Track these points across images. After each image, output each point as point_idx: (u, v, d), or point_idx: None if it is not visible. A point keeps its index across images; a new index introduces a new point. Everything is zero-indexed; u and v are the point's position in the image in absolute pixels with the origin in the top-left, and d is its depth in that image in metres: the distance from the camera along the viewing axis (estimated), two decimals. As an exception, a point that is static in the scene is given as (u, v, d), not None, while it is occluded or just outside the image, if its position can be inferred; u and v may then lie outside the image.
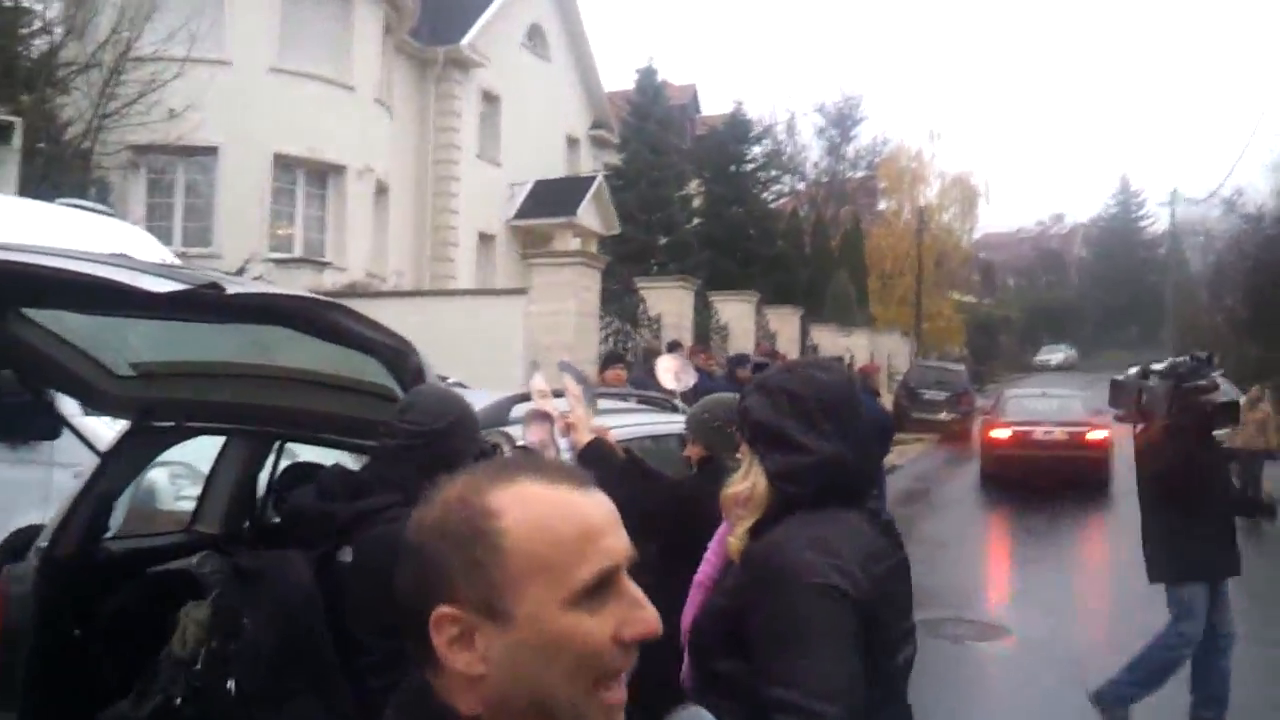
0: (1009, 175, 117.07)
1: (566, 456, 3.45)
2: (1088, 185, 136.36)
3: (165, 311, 2.46)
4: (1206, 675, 5.40)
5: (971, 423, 25.94)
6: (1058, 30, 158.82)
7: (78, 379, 3.40)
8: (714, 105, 39.91)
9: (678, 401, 5.06)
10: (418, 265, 22.41)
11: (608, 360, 8.42)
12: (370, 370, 2.93)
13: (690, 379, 4.97)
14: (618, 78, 61.40)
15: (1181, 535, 5.45)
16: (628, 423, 4.36)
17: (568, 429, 3.56)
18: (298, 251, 18.25)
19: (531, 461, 1.19)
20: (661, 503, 3.41)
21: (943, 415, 24.51)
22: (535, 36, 26.20)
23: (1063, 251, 70.07)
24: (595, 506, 1.11)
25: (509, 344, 11.35)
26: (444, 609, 1.06)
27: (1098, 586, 9.71)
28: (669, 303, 14.47)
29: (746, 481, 2.06)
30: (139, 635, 3.59)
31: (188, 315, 2.57)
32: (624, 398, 5.23)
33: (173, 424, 3.62)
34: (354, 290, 14.45)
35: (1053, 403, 17.53)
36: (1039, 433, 15.87)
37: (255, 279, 14.39)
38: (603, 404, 4.22)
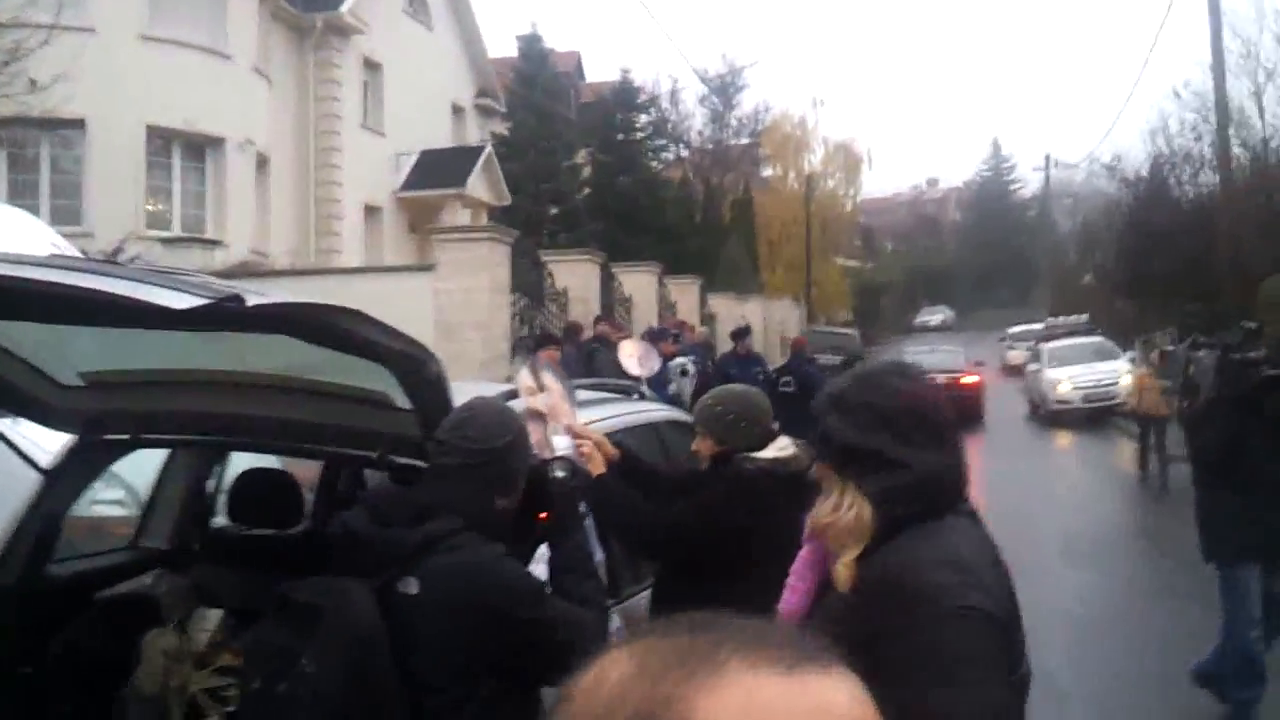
0: (888, 141, 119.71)
1: (563, 452, 3.23)
2: (962, 150, 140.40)
3: (180, 327, 2.17)
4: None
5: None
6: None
7: (20, 392, 3.05)
8: (599, 73, 39.51)
9: (643, 388, 4.89)
10: (302, 240, 21.59)
11: (541, 340, 8.15)
12: (364, 375, 2.67)
13: (655, 364, 4.80)
14: (502, 44, 60.29)
15: (1233, 515, 5.15)
16: (598, 415, 4.17)
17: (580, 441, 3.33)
18: (176, 229, 17.41)
19: (736, 628, 0.80)
20: (687, 517, 3.25)
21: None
22: (416, 2, 25.42)
23: (938, 215, 71.99)
24: (849, 702, 0.78)
25: (416, 324, 10.88)
26: None
27: (1010, 553, 9.93)
28: (575, 276, 14.23)
29: (848, 510, 1.90)
30: (96, 670, 3.27)
31: (199, 328, 2.29)
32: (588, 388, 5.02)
33: (127, 437, 3.28)
34: (246, 269, 13.80)
35: (939, 356, 22.80)
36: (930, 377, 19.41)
37: (133, 259, 13.63)
38: (585, 395, 4.02)
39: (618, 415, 4.18)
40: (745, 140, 42.20)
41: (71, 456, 3.28)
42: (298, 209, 21.71)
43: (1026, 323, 36.10)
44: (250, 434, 3.21)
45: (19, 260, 1.91)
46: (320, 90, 21.95)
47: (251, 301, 1.93)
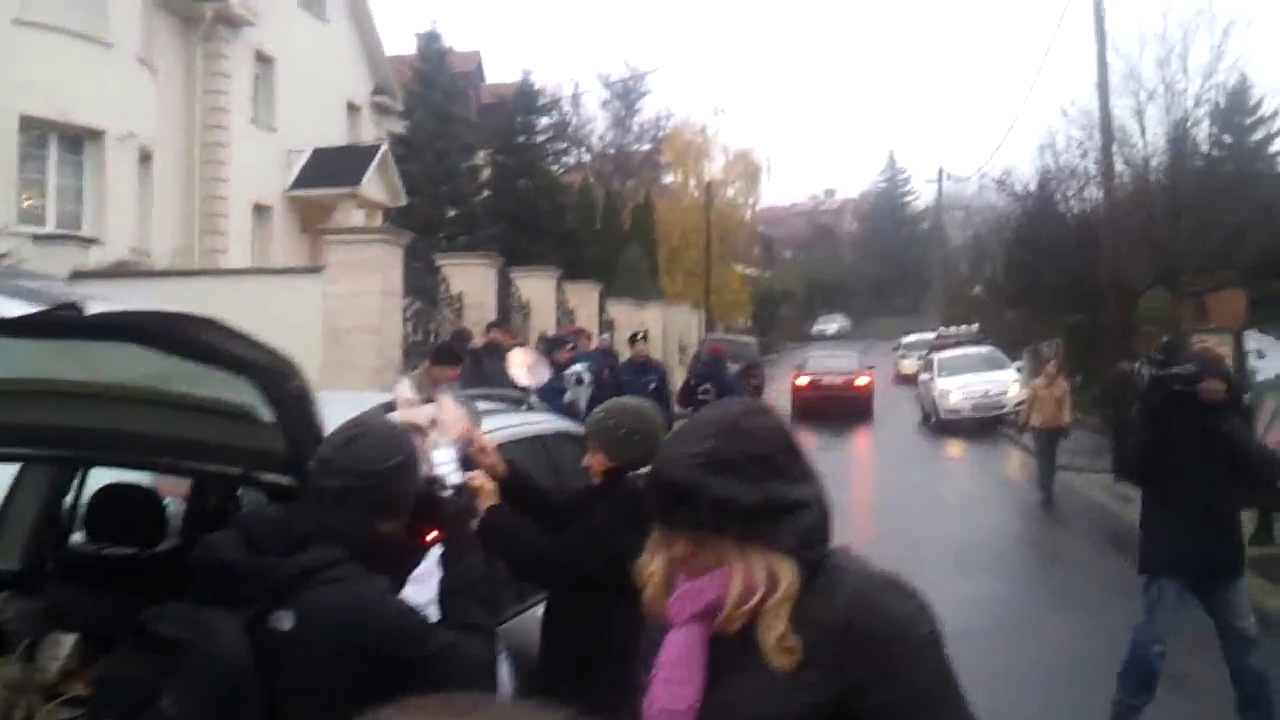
0: (787, 151, 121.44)
1: (443, 469, 3.07)
2: (858, 162, 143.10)
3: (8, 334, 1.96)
4: (1239, 676, 5.07)
5: (763, 393, 26.73)
6: (837, 10, 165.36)
7: None
8: (499, 74, 39.15)
9: (532, 399, 4.75)
10: (186, 239, 20.80)
11: (440, 354, 7.87)
12: (227, 388, 2.48)
13: (544, 374, 4.65)
14: (401, 42, 59.43)
15: (1157, 527, 5.15)
16: (486, 427, 4.01)
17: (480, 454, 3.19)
18: (51, 225, 16.56)
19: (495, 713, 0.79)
20: (578, 543, 3.12)
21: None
22: (312, -4, 24.81)
23: (835, 226, 73.21)
24: None
25: (305, 328, 10.57)
26: None
27: (893, 558, 10.05)
28: (471, 280, 13.98)
29: (765, 580, 1.66)
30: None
31: (36, 335, 2.07)
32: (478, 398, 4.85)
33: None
34: (123, 269, 13.20)
35: (836, 360, 26.41)
36: (826, 379, 24.69)
37: (3, 256, 12.96)
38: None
39: (505, 427, 4.03)
40: (647, 146, 42.33)
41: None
42: (182, 206, 20.91)
43: (919, 332, 36.93)
44: (107, 448, 2.98)
45: None
46: (208, 83, 21.18)
47: (90, 310, 1.74)
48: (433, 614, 2.49)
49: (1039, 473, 12.87)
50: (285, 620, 2.12)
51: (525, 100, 31.15)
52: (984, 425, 20.47)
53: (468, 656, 2.27)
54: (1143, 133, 20.35)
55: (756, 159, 42.49)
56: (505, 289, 15.92)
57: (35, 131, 16.72)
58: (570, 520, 3.25)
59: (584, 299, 19.48)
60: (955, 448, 19.27)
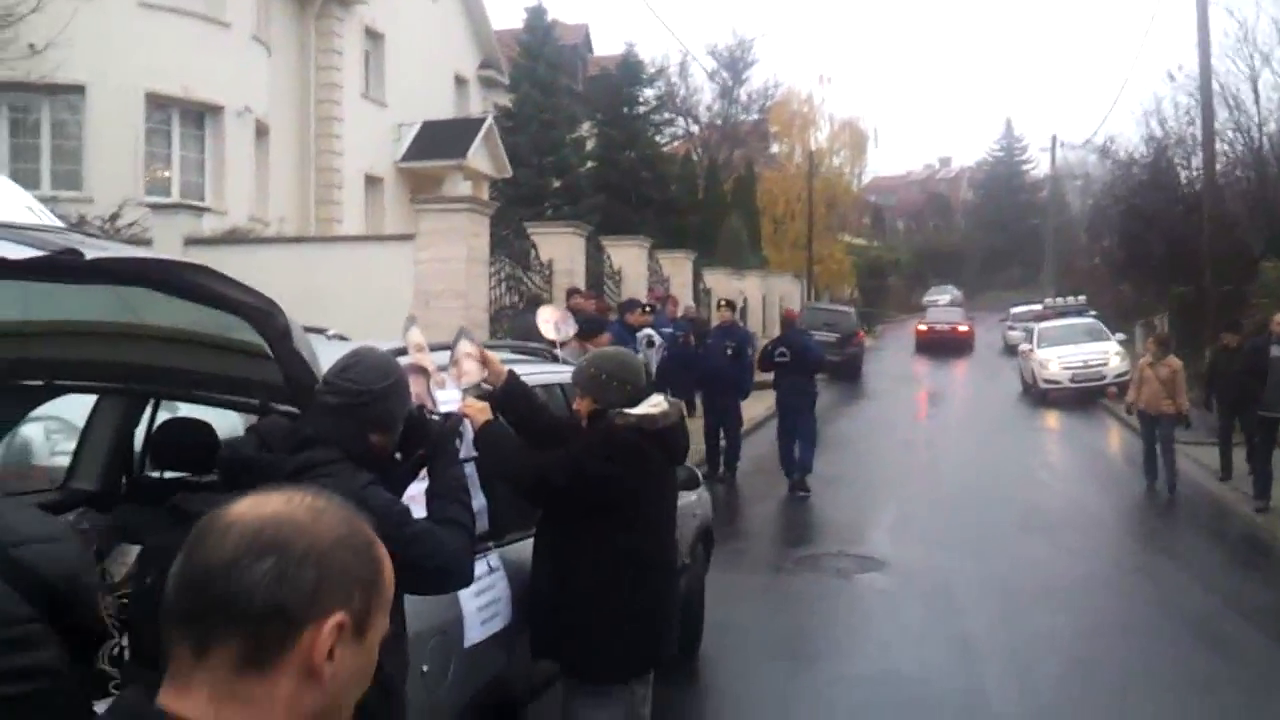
0: (898, 119, 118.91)
1: (445, 408, 3.48)
2: (974, 129, 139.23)
3: (22, 275, 2.41)
4: None
5: (862, 362, 26.70)
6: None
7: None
8: (607, 46, 39.47)
9: (558, 351, 5.12)
10: (302, 209, 21.81)
11: (587, 326, 7.69)
12: (236, 328, 2.92)
13: (570, 329, 5.03)
14: (507, 16, 60.20)
15: None
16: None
17: (485, 372, 3.62)
18: (175, 195, 17.60)
19: None
20: (557, 464, 3.52)
21: (832, 356, 25.06)
22: (420, -29, 25.53)
23: (949, 195, 71.71)
24: None
25: (397, 292, 11.16)
26: (342, 615, 1.09)
27: (969, 523, 10.16)
28: (560, 248, 14.42)
29: None
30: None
31: (47, 279, 2.53)
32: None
33: (41, 383, 3.54)
34: (234, 236, 14.05)
35: (946, 314, 37.75)
36: (939, 326, 34.74)
37: (131, 225, 13.91)
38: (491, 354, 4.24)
39: (527, 375, 4.41)
40: (754, 117, 42.21)
41: (-12, 401, 3.56)
42: (298, 177, 21.92)
43: (1031, 304, 36.20)
44: (152, 382, 3.47)
45: None
46: (321, 59, 22.10)
47: (90, 255, 2.17)
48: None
49: (1143, 458, 11.70)
50: None
51: (629, 72, 31.44)
52: (1084, 396, 20.17)
53: (442, 542, 2.68)
54: (1256, 100, 19.57)
55: (863, 128, 42.03)
56: (597, 257, 16.33)
57: (160, 107, 17.78)
58: (555, 446, 3.63)
59: (678, 267, 19.77)
60: (1051, 418, 19.04)
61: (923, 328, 34.57)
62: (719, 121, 41.41)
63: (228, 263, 10.55)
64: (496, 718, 3.70)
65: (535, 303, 11.88)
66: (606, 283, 16.43)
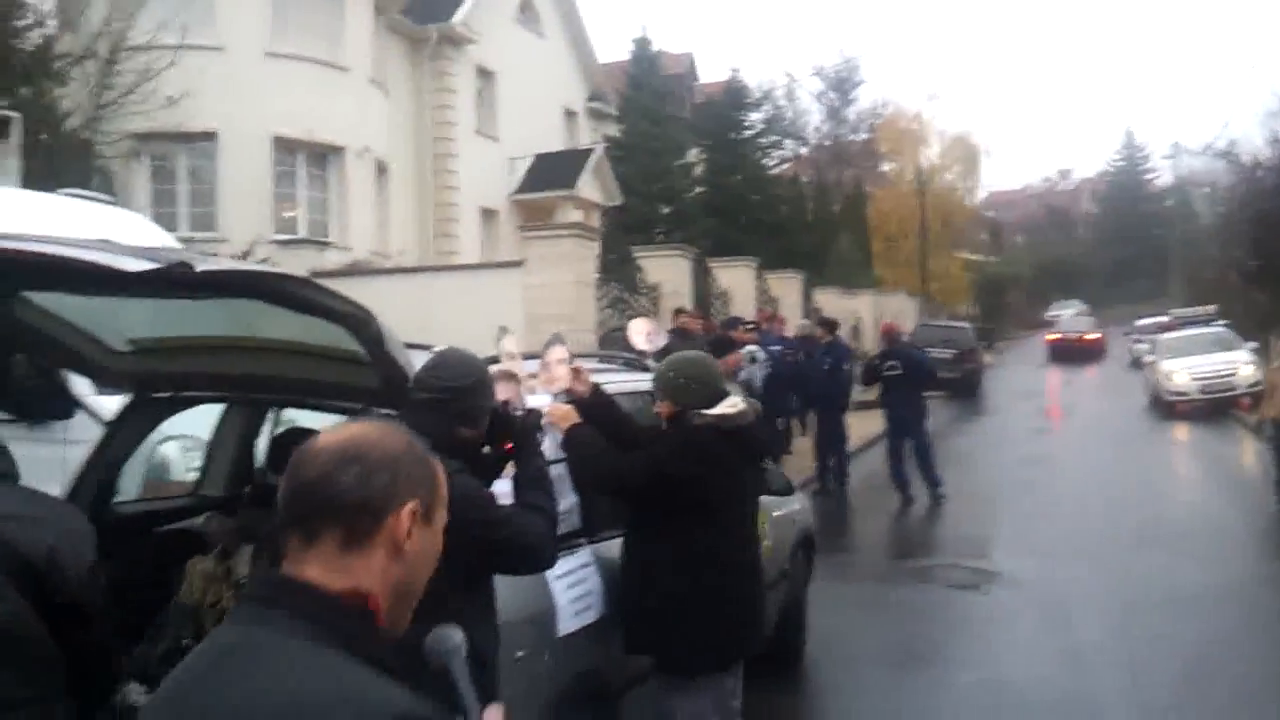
0: (1013, 133, 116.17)
1: (534, 406, 3.69)
2: (1093, 140, 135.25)
3: (145, 289, 2.69)
4: None
5: (979, 379, 26.22)
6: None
7: (80, 356, 3.66)
8: (713, 73, 39.76)
9: (649, 362, 5.30)
10: (421, 242, 22.60)
11: (716, 346, 8.34)
12: (341, 339, 3.17)
13: (661, 340, 5.21)
14: (615, 49, 61.10)
15: None
16: (605, 381, 4.60)
17: (573, 381, 3.88)
18: (302, 233, 18.46)
19: None
20: (638, 464, 3.68)
21: (949, 373, 24.72)
22: (527, 11, 26.25)
23: (1070, 207, 69.74)
24: None
25: (508, 316, 11.50)
26: (415, 504, 1.42)
27: (1087, 535, 9.94)
28: (667, 271, 14.67)
29: None
30: (149, 587, 3.88)
31: (166, 292, 2.81)
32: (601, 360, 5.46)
33: (169, 395, 3.87)
34: (355, 268, 14.70)
35: (1075, 323, 39.19)
36: (1069, 335, 36.83)
37: (262, 261, 14.66)
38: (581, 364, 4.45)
39: (616, 383, 4.61)
40: (863, 136, 41.97)
41: (127, 411, 3.91)
42: (416, 212, 22.75)
43: (1156, 316, 35.05)
44: (268, 392, 3.76)
45: (13, 236, 2.45)
46: (435, 99, 22.94)
47: (200, 268, 2.43)
48: None
49: (1274, 470, 10.80)
50: None
51: (734, 97, 31.70)
52: (1214, 408, 19.38)
53: (525, 526, 2.89)
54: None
55: (975, 142, 41.37)
56: (703, 278, 16.53)
57: (285, 150, 18.69)
58: (638, 447, 3.80)
59: (786, 287, 19.83)
60: (1178, 431, 18.38)
61: (1054, 336, 37.22)
62: (827, 142, 41.31)
63: (349, 293, 11.01)
64: (592, 708, 3.86)
65: None
66: (714, 303, 16.60)
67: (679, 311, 12.38)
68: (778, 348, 12.77)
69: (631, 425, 4.00)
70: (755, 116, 33.35)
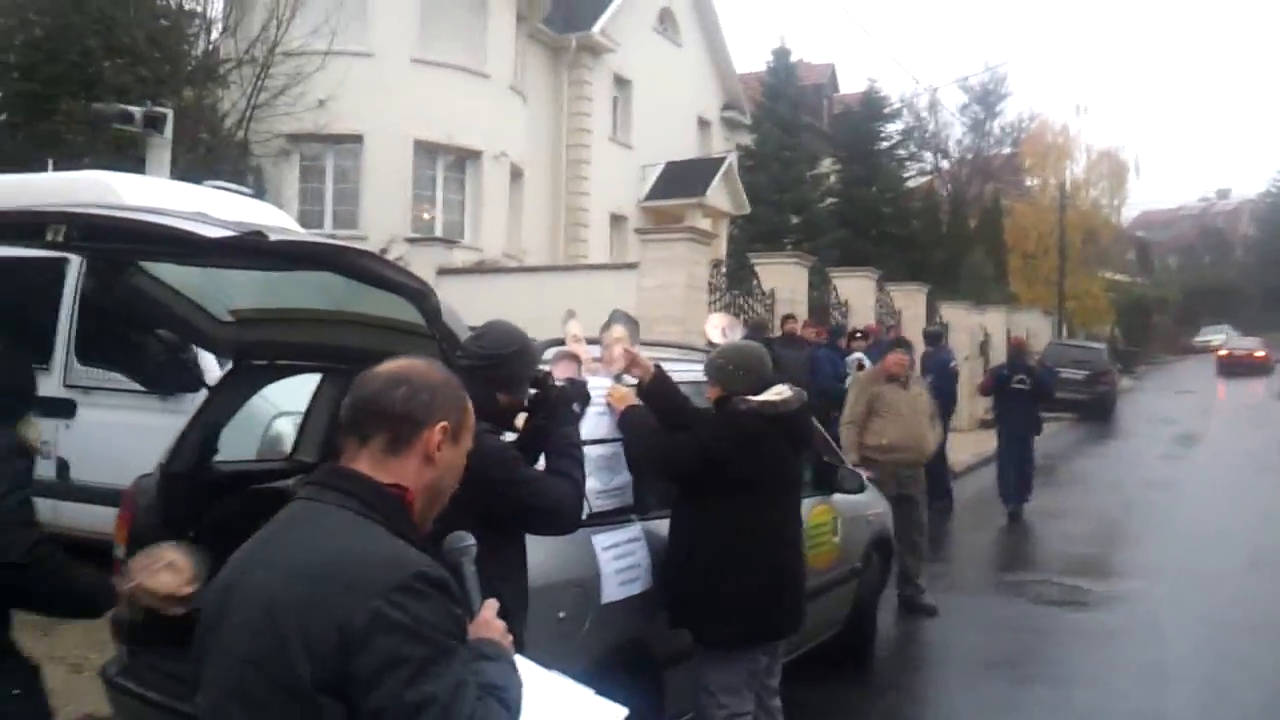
0: (1168, 150, 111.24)
1: (595, 389, 3.95)
2: (1255, 158, 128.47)
3: (229, 257, 3.04)
4: None
5: (1112, 401, 25.38)
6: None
7: (187, 324, 4.08)
8: (853, 84, 39.38)
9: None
10: (552, 245, 23.22)
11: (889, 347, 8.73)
12: (409, 313, 3.48)
13: (736, 335, 5.38)
14: (753, 59, 61.17)
15: None
16: (673, 370, 4.82)
17: (631, 364, 4.12)
18: (438, 233, 19.24)
19: None
20: (686, 444, 3.91)
21: (1079, 394, 24.07)
22: (666, 20, 26.67)
23: (1227, 229, 66.38)
24: None
25: (621, 316, 11.88)
26: (446, 423, 1.79)
27: (1196, 560, 9.65)
28: (783, 278, 14.74)
29: None
30: (241, 538, 4.26)
31: (246, 261, 3.15)
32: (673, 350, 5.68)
33: (265, 362, 4.27)
34: (480, 267, 15.26)
35: (1242, 342, 42.70)
36: (1237, 352, 40.50)
37: (398, 259, 15.35)
38: (654, 353, 4.67)
39: (685, 373, 4.82)
40: (1008, 150, 41.00)
41: (227, 377, 4.32)
42: (549, 216, 23.40)
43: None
44: (350, 362, 4.11)
45: (127, 208, 2.82)
46: (573, 106, 23.56)
47: (273, 238, 2.76)
48: None
49: None
50: None
51: (872, 108, 31.43)
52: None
53: (549, 488, 3.11)
54: None
55: (1123, 158, 39.90)
56: (822, 288, 16.55)
57: (426, 153, 19.51)
58: (688, 429, 4.01)
59: (910, 300, 19.61)
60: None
61: (1224, 353, 41.15)
62: (969, 155, 40.49)
63: (474, 291, 11.66)
64: (635, 675, 4.08)
65: (757, 329, 12.28)
66: (833, 313, 16.59)
67: (787, 318, 12.51)
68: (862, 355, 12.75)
69: (688, 409, 4.20)
70: (893, 128, 32.99)
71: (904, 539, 7.42)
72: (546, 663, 2.32)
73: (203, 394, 4.56)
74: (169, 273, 3.87)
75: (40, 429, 3.12)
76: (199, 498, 4.27)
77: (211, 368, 5.66)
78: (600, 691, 2.23)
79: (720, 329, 5.39)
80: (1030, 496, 12.06)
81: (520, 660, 1.91)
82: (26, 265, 6.93)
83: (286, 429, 7.04)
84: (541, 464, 3.40)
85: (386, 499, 1.70)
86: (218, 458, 4.43)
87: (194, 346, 4.82)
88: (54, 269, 7.17)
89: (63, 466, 7.13)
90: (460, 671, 1.56)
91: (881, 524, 6.58)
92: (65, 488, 6.96)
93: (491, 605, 1.86)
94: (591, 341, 4.22)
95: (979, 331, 23.35)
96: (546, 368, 3.69)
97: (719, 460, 3.83)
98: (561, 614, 3.63)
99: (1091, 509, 12.55)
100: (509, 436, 3.34)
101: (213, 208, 7.41)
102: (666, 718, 4.28)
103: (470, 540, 1.91)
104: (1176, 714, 5.65)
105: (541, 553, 3.63)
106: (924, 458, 7.86)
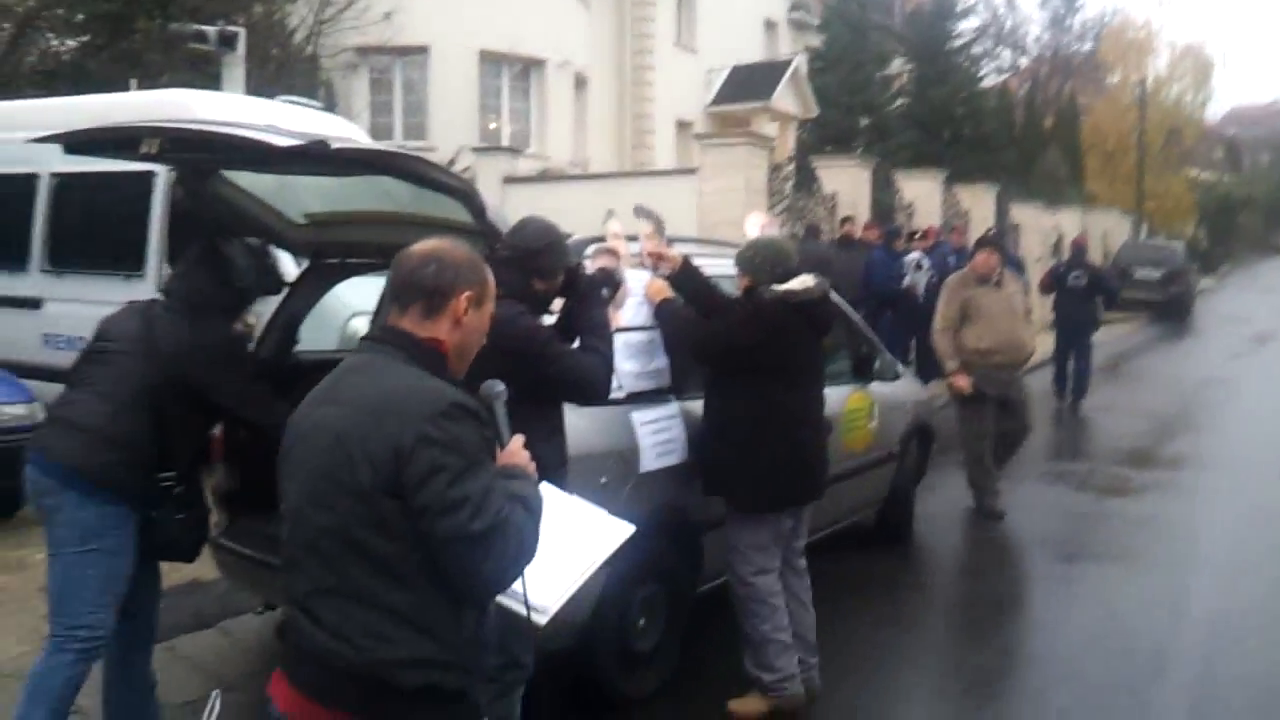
0: (1264, 44, 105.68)
1: (633, 283, 4.32)
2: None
3: (297, 164, 3.44)
4: None
5: (1189, 302, 25.04)
6: None
7: (266, 227, 4.51)
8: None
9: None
10: (618, 153, 23.38)
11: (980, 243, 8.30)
12: (460, 213, 3.86)
13: (773, 232, 5.68)
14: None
15: None
16: (706, 263, 5.13)
17: (658, 259, 4.47)
18: (504, 142, 19.57)
19: None
20: (715, 329, 4.28)
21: (1153, 295, 23.82)
22: (731, -80, 26.27)
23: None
24: None
25: (681, 222, 12.12)
26: (470, 292, 2.15)
27: (1241, 457, 9.78)
28: (844, 181, 14.82)
29: None
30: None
31: (314, 167, 3.54)
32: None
33: (337, 260, 4.71)
34: (545, 175, 15.59)
35: None
36: None
37: (466, 169, 15.75)
38: (686, 248, 5.00)
39: (717, 268, 5.12)
40: (1089, 46, 39.72)
41: (304, 274, 4.78)
42: (614, 124, 23.52)
43: None
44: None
45: (204, 121, 3.23)
46: (636, 11, 23.48)
47: (335, 146, 3.15)
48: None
49: None
50: None
51: (945, 5, 30.62)
52: None
53: (579, 363, 3.49)
54: None
55: (1208, 54, 38.49)
56: (886, 189, 16.57)
57: (491, 63, 19.77)
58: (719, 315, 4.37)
59: (978, 200, 19.41)
60: None
61: None
62: (1048, 53, 39.33)
63: (539, 198, 12.05)
64: (674, 537, 4.52)
65: (814, 232, 12.53)
66: (898, 215, 16.62)
67: (844, 220, 12.69)
68: (953, 259, 12.86)
69: (718, 296, 4.55)
70: (965, 25, 32.13)
71: (1003, 441, 7.63)
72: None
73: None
74: (247, 180, 4.30)
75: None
76: (283, 382, 4.75)
77: (289, 270, 6.15)
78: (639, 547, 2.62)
79: (759, 226, 5.70)
80: (1086, 392, 12.28)
81: (543, 485, 2.32)
82: (120, 179, 7.49)
83: (362, 326, 7.59)
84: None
85: (426, 350, 2.08)
86: (299, 348, 4.91)
87: (273, 250, 5.27)
88: (144, 182, 7.69)
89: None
90: (489, 480, 1.96)
91: (923, 414, 6.89)
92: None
93: (518, 439, 2.25)
94: (630, 239, 4.58)
95: (1051, 232, 23.10)
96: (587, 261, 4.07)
97: (745, 345, 4.19)
98: (603, 479, 4.05)
99: (1148, 404, 12.67)
100: (548, 321, 3.74)
101: (284, 121, 7.90)
102: (705, 577, 4.73)
103: (501, 386, 2.28)
104: (1198, 592, 5.94)
105: (586, 427, 4.07)
106: (1022, 359, 7.69)
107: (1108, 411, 11.96)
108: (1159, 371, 15.94)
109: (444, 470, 1.91)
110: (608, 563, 2.52)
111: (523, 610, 2.25)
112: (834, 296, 6.39)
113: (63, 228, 8.22)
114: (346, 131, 8.97)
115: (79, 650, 3.33)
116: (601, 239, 4.45)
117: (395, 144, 18.37)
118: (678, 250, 4.67)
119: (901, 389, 6.62)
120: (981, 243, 8.32)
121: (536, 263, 3.53)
